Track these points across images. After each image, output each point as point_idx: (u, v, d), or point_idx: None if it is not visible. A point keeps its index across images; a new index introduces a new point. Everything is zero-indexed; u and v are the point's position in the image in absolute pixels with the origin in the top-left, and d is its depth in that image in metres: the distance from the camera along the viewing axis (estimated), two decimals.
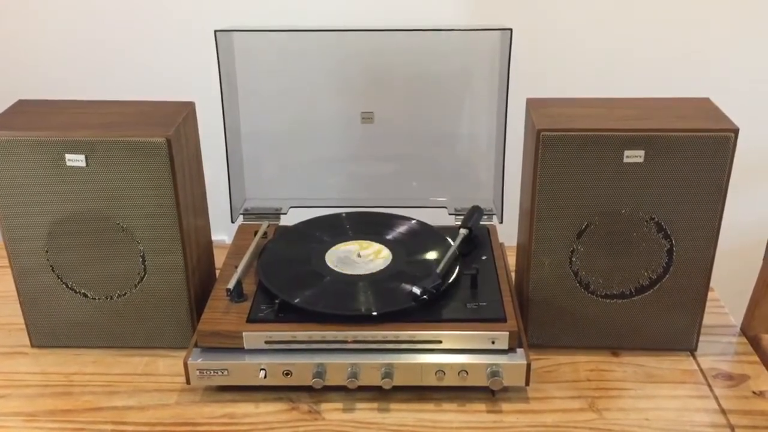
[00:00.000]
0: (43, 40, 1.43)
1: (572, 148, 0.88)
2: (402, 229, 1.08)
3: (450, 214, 1.14)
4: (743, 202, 1.39)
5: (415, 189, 1.17)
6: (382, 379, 0.89)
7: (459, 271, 0.97)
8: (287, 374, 0.90)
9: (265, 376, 0.90)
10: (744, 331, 1.04)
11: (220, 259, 1.07)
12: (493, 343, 0.89)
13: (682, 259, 0.93)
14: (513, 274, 1.10)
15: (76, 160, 0.89)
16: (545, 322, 0.98)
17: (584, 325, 0.98)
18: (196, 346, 0.91)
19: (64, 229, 0.93)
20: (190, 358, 0.90)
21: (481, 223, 1.10)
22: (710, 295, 0.96)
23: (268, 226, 1.12)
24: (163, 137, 0.89)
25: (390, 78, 1.12)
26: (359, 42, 1.09)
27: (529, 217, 0.94)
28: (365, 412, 0.90)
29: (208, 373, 0.90)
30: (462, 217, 1.10)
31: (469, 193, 1.15)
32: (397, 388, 0.90)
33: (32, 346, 1.01)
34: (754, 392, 0.93)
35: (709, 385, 0.94)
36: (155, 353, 1.00)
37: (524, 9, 1.38)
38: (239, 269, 0.98)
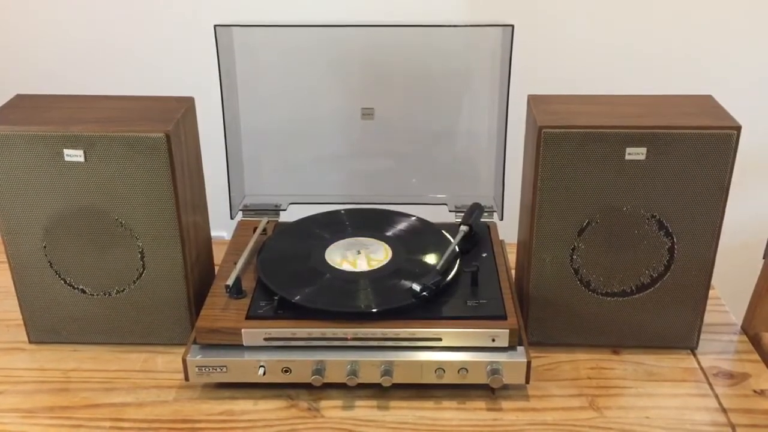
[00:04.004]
0: (42, 34, 1.43)
1: (574, 145, 0.88)
2: (402, 226, 1.08)
3: (450, 211, 1.14)
4: (744, 200, 1.38)
5: (415, 186, 1.17)
6: (382, 376, 0.88)
7: (459, 268, 0.97)
8: (286, 371, 0.89)
9: (264, 373, 0.89)
10: (745, 329, 1.04)
11: (219, 255, 1.07)
12: (493, 340, 0.89)
13: (683, 257, 0.93)
14: (513, 272, 1.10)
15: (74, 155, 0.89)
16: (545, 319, 0.98)
17: (585, 322, 0.98)
18: (194, 342, 0.91)
19: (62, 225, 0.93)
20: (188, 355, 0.89)
21: (482, 220, 1.10)
22: (711, 293, 0.96)
23: (268, 222, 1.11)
24: (162, 132, 0.88)
25: (390, 74, 1.12)
26: (360, 38, 1.09)
27: (530, 215, 0.93)
28: (365, 409, 0.90)
29: (207, 369, 0.89)
30: (462, 214, 1.09)
31: (470, 190, 1.15)
32: (396, 386, 0.90)
33: (30, 342, 1.01)
34: (754, 391, 0.93)
35: (710, 384, 0.94)
36: (154, 350, 0.99)
37: (526, 5, 1.38)
38: (238, 266, 0.98)
